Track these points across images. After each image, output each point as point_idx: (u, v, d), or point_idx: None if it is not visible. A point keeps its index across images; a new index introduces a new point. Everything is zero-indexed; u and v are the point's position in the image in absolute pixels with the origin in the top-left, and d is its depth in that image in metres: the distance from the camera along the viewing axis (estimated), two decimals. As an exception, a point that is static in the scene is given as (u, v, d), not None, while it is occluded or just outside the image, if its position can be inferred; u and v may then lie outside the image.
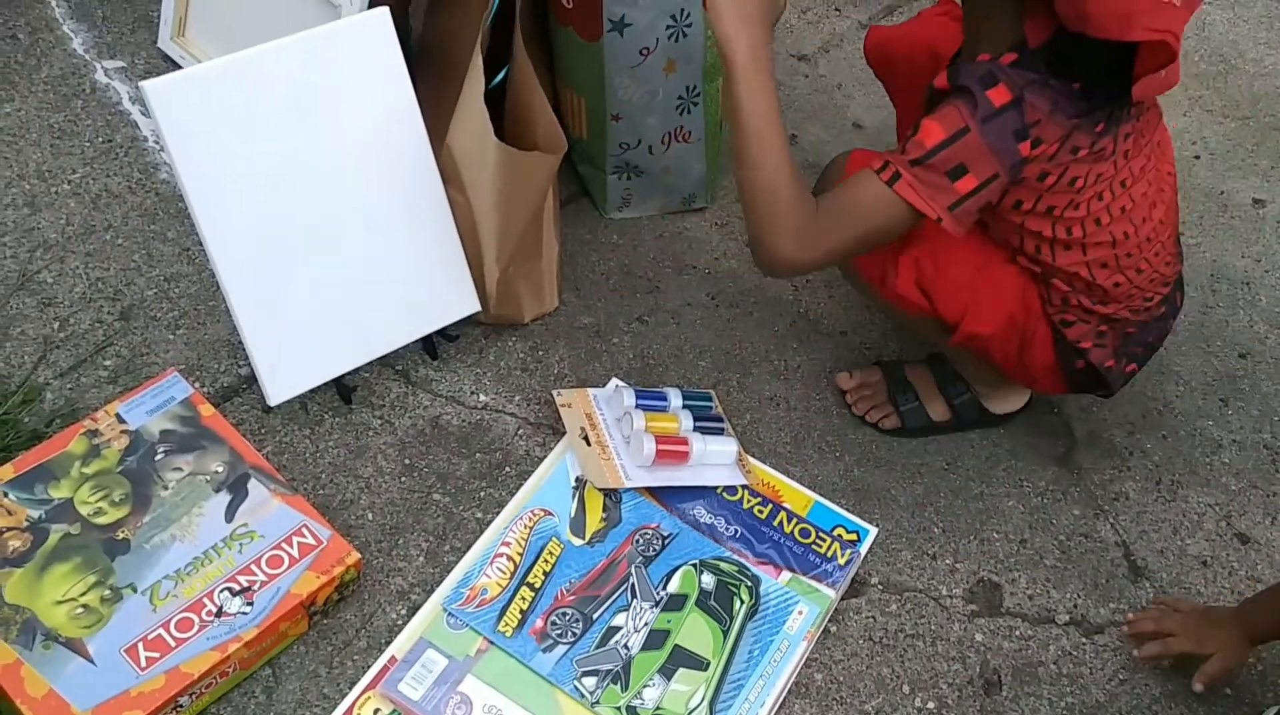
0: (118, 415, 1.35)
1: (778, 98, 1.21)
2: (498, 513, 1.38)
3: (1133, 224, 1.32)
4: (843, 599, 1.38)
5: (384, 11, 1.39)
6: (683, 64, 1.59)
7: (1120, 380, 1.43)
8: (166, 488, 1.30)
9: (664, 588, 1.33)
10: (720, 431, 1.48)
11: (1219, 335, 1.75)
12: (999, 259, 1.35)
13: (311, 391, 1.44)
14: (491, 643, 1.26)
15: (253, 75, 1.32)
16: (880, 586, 1.41)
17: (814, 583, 1.36)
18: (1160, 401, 1.65)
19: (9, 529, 1.23)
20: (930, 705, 1.31)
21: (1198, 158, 2.02)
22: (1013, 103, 1.18)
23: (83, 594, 1.20)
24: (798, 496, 1.46)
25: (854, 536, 1.43)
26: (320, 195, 1.39)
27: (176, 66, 1.76)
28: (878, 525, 1.45)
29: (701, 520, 1.40)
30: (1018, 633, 1.38)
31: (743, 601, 1.33)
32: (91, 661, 1.15)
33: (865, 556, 1.42)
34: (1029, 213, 1.27)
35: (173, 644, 1.18)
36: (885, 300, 1.41)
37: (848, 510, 1.46)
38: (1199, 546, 1.49)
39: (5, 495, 1.26)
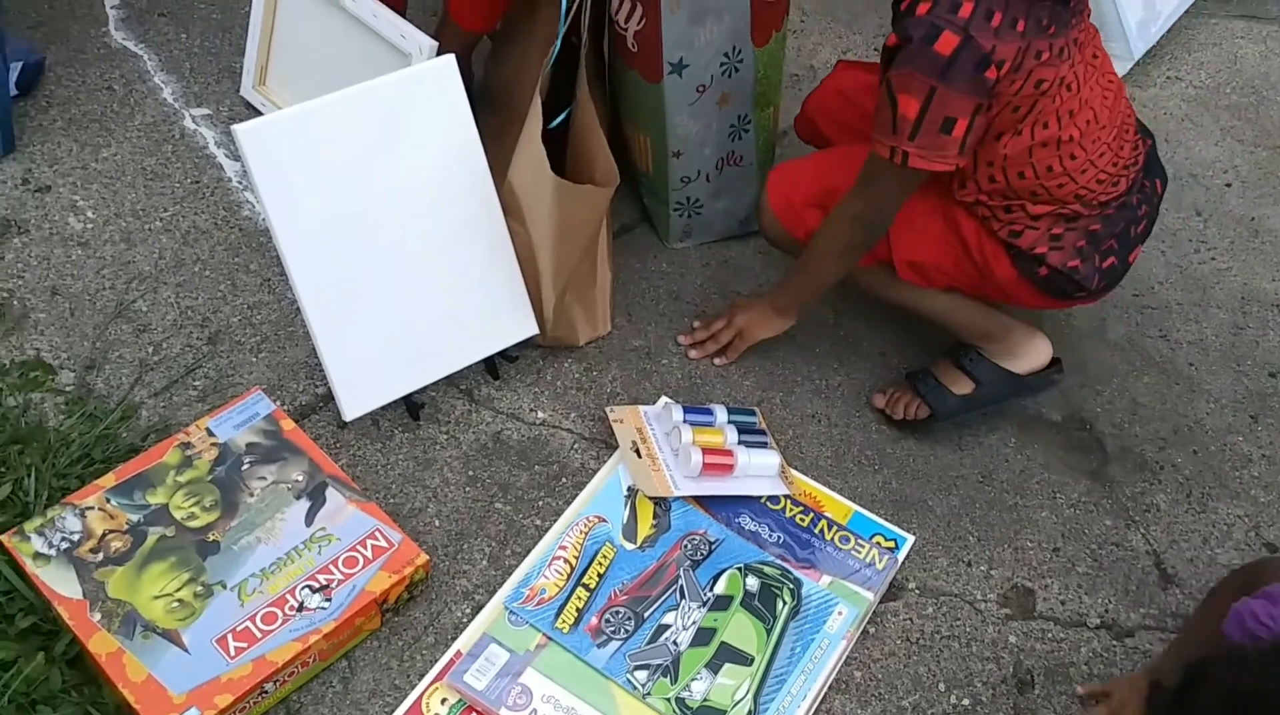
0: (208, 429, 1.47)
1: (787, 282, 1.62)
2: (555, 520, 1.48)
3: (1077, 127, 1.39)
4: (881, 602, 1.46)
5: (450, 59, 1.52)
6: (736, 96, 1.70)
7: (1096, 277, 1.47)
8: (252, 495, 1.41)
9: (711, 589, 1.42)
10: (764, 445, 1.57)
11: (1249, 355, 1.81)
12: (919, 194, 1.44)
13: (383, 408, 1.55)
14: (550, 638, 1.35)
15: (332, 119, 1.45)
16: (918, 591, 1.48)
17: (853, 586, 1.44)
18: (1191, 418, 1.71)
19: (111, 531, 1.35)
20: (965, 702, 1.38)
21: (1229, 185, 2.08)
22: (962, 44, 1.25)
23: (178, 590, 1.31)
24: (838, 506, 1.54)
25: (892, 544, 1.50)
26: (392, 227, 1.51)
27: (258, 113, 1.90)
28: (915, 534, 1.53)
29: (746, 527, 1.49)
30: (1050, 635, 1.45)
31: (785, 603, 1.41)
32: (186, 650, 1.26)
33: (903, 563, 1.50)
34: (994, 115, 1.33)
35: (259, 635, 1.28)
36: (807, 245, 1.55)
37: (886, 520, 1.54)
38: (1228, 555, 1.55)
39: (108, 501, 1.38)
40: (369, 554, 1.37)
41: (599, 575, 1.41)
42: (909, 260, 1.50)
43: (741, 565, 1.44)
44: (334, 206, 1.46)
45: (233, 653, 1.27)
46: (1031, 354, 1.61)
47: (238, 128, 1.39)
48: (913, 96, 1.28)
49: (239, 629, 1.29)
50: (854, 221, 1.47)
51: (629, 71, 1.67)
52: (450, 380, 1.61)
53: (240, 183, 1.83)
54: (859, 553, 1.48)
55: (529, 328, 1.62)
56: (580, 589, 1.40)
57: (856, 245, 1.50)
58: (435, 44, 1.67)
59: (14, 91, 1.82)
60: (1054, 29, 1.30)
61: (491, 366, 1.63)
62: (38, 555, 1.31)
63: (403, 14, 1.76)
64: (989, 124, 1.35)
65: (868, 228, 1.47)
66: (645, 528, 1.47)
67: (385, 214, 1.50)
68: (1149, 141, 1.52)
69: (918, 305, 1.58)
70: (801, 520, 1.51)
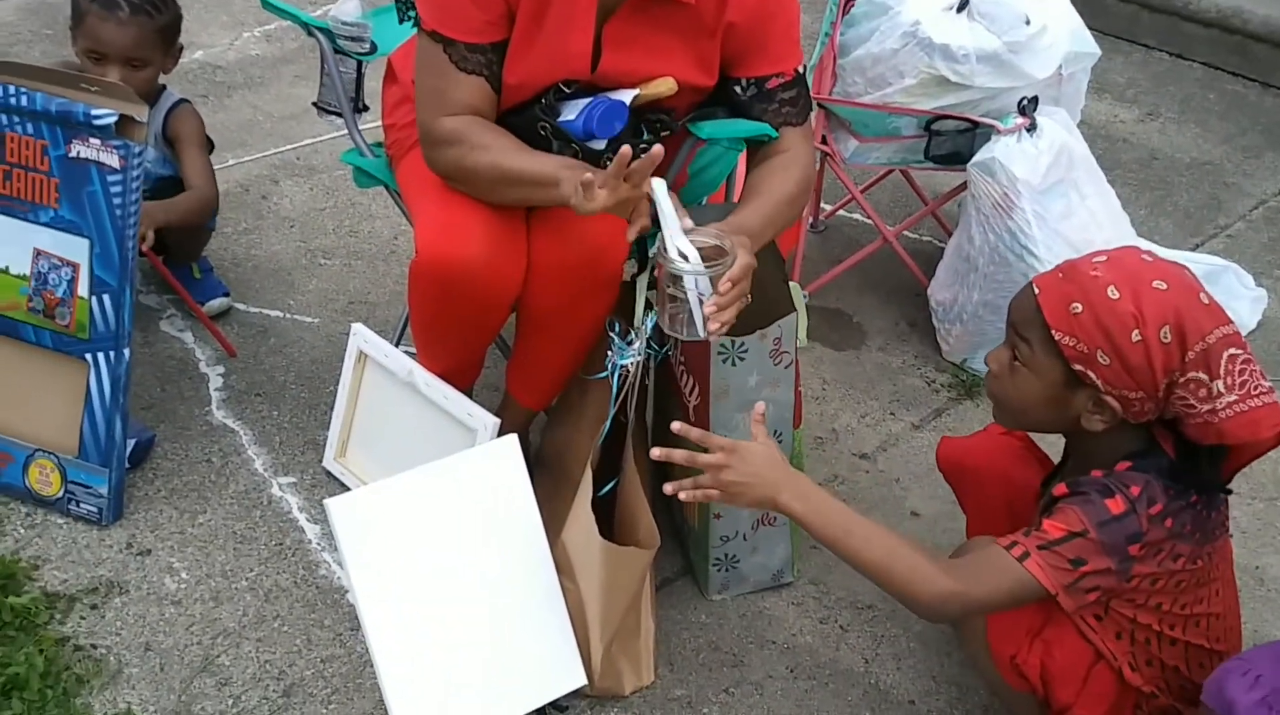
0: (281, 780, 1.58)
1: (832, 502, 1.46)
2: None
3: (1223, 631, 1.53)
4: None
5: (513, 439, 1.75)
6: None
7: None
8: None
9: None
10: (801, 794, 1.64)
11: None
12: (1107, 660, 1.52)
13: (442, 758, 1.65)
14: None
15: (410, 492, 1.67)
16: None
17: None
18: None
19: None
20: None
21: (1230, 536, 2.22)
22: (1127, 512, 1.40)
23: None
24: None
25: None
26: (458, 587, 1.68)
27: (338, 481, 2.13)
28: None
29: None
30: None
31: None
32: None
33: None
34: (1140, 606, 1.46)
35: None
36: (999, 672, 1.56)
37: None
38: None
39: None
40: None
41: None
42: (1063, 706, 1.52)
43: None
44: (408, 570, 1.64)
45: None
46: None
47: (329, 501, 1.60)
48: (1062, 524, 1.41)
49: None
50: (929, 578, 1.41)
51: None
52: (505, 730, 1.72)
53: (319, 544, 2.03)
54: None
55: (579, 678, 1.75)
56: None
57: (901, 585, 1.42)
58: (498, 421, 1.92)
59: (126, 466, 2.07)
60: (1198, 535, 1.45)
61: (543, 716, 1.75)
62: None
63: (469, 395, 2.02)
64: (1134, 622, 1.47)
65: (932, 587, 1.41)
66: None
67: (453, 575, 1.68)
68: None
69: (1005, 698, 1.66)
70: None
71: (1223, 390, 1.35)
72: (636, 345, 1.74)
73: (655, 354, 1.84)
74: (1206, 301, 1.40)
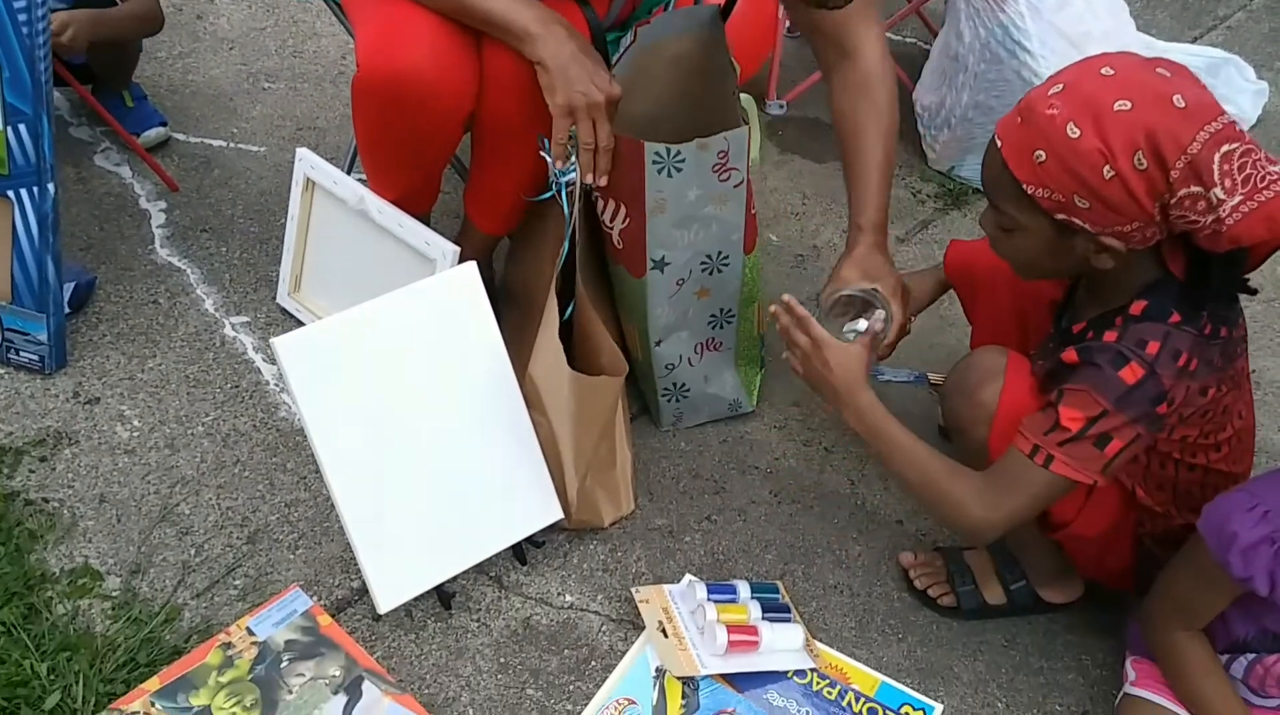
0: (248, 628, 1.52)
1: (885, 424, 1.45)
2: (586, 704, 1.51)
3: (1242, 453, 1.45)
4: (913, 775, 1.47)
5: (472, 266, 1.63)
6: (716, 291, 1.79)
7: None
8: (291, 692, 1.45)
9: (742, 769, 1.43)
10: (787, 619, 1.60)
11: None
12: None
13: (415, 599, 1.60)
14: (584, 826, 1.36)
15: (363, 326, 1.55)
16: (949, 761, 1.49)
17: (884, 759, 1.45)
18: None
19: (156, 735, 1.39)
20: None
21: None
22: (1146, 377, 1.28)
23: (220, 791, 1.35)
24: (865, 677, 1.56)
25: (920, 713, 1.52)
26: (421, 424, 1.59)
27: (293, 318, 2.02)
28: (943, 702, 1.54)
29: (774, 703, 1.51)
30: (1085, 802, 1.45)
31: (817, 779, 1.42)
32: None
33: (932, 733, 1.51)
34: (1164, 437, 1.37)
35: (299, 835, 1.31)
36: None
37: (913, 689, 1.55)
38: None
39: (153, 705, 1.42)
40: (405, 747, 1.40)
41: (631, 759, 1.43)
42: (1076, 533, 1.47)
43: (771, 742, 1.46)
44: (367, 408, 1.55)
45: None
46: (1069, 590, 1.66)
47: (275, 340, 1.49)
48: (1080, 412, 1.30)
49: (279, 829, 1.31)
50: (959, 505, 1.39)
51: (617, 267, 1.78)
52: (480, 568, 1.67)
53: (277, 385, 1.93)
54: (888, 724, 1.50)
55: (554, 513, 1.68)
56: (613, 774, 1.41)
57: (937, 513, 1.48)
58: (458, 249, 1.79)
59: (66, 310, 1.94)
60: (1221, 363, 1.34)
61: (520, 552, 1.69)
62: (85, 762, 1.35)
63: (426, 222, 1.89)
64: (1153, 449, 1.39)
65: (964, 517, 1.40)
66: (675, 708, 1.49)
67: (415, 412, 1.59)
68: None
69: (1020, 536, 1.59)
70: (829, 693, 1.53)
71: (1223, 195, 1.20)
72: (572, 159, 1.61)
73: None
74: (1183, 103, 1.21)
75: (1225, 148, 1.21)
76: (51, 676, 1.46)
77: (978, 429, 1.45)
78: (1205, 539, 1.29)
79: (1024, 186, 1.28)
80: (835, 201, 2.44)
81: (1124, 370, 1.29)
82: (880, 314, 1.58)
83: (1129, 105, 1.21)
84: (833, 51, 1.74)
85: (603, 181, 1.62)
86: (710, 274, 1.77)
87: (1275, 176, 1.22)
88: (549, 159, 1.63)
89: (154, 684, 1.44)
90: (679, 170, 1.62)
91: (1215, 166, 1.20)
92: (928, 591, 1.67)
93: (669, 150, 1.59)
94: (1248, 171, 1.21)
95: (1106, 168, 1.22)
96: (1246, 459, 1.49)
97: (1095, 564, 1.54)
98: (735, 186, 1.68)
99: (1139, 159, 1.21)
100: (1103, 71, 1.26)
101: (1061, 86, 1.27)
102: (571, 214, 1.66)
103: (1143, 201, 1.23)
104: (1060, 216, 1.28)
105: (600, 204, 1.72)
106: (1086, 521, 1.44)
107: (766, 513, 1.81)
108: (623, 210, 1.68)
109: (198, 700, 1.43)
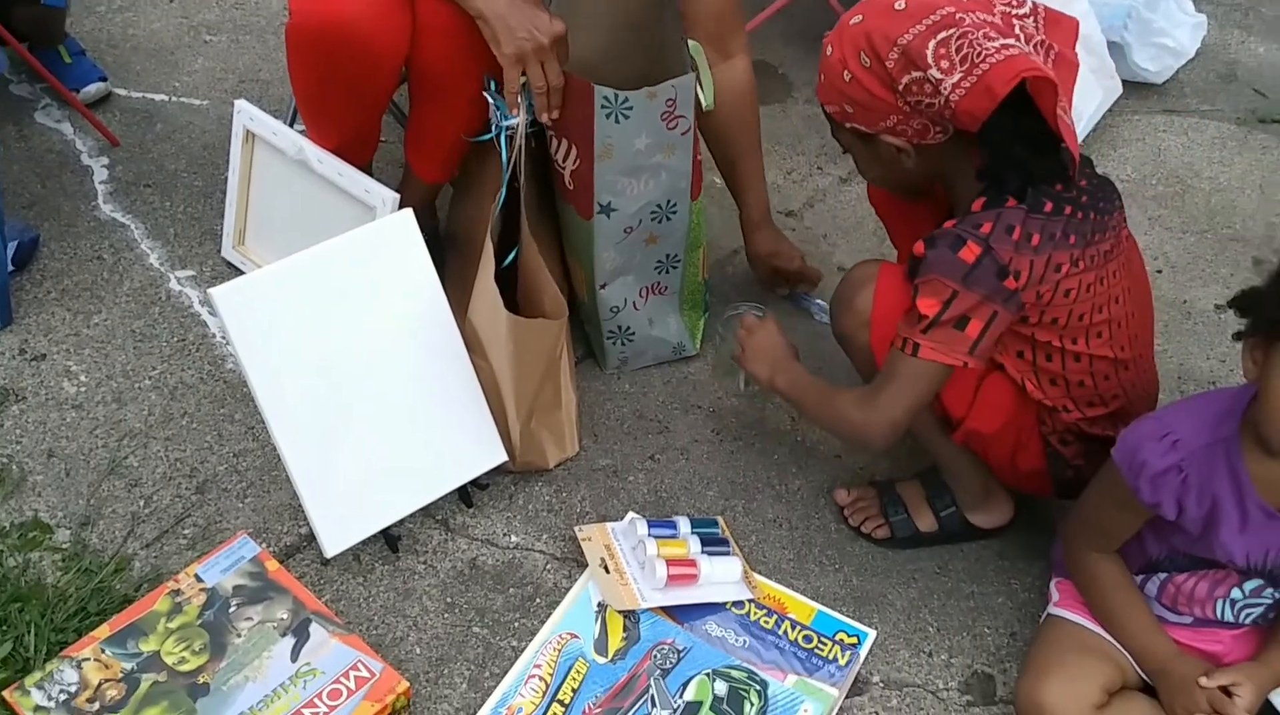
0: (196, 575, 1.55)
1: (802, 375, 1.61)
2: (530, 640, 1.55)
3: (1127, 340, 1.49)
4: (846, 698, 1.52)
5: (408, 213, 1.64)
6: (664, 238, 1.81)
7: None
8: (239, 635, 1.49)
9: (681, 696, 1.48)
10: (726, 552, 1.64)
11: (1190, 432, 1.89)
12: (1000, 371, 1.50)
13: (363, 543, 1.63)
14: (528, 755, 1.41)
15: (301, 275, 1.57)
16: (881, 684, 1.54)
17: (818, 683, 1.51)
18: (1137, 497, 1.79)
19: (106, 680, 1.42)
20: (932, 789, 1.43)
21: (1160, 271, 2.19)
22: (983, 253, 1.36)
23: (171, 732, 1.38)
24: (801, 607, 1.61)
25: (854, 640, 1.57)
26: (363, 371, 1.61)
27: (238, 271, 2.03)
28: (877, 628, 1.60)
29: (713, 633, 1.56)
30: (1012, 718, 1.51)
31: (752, 704, 1.48)
32: (180, 790, 1.33)
33: (866, 657, 1.56)
34: (1036, 325, 1.43)
35: (249, 771, 1.35)
36: None
37: (849, 616, 1.60)
38: (1180, 627, 1.61)
39: (102, 651, 1.45)
40: (352, 685, 1.44)
41: (573, 690, 1.48)
42: (973, 428, 1.53)
43: (709, 670, 1.51)
44: (307, 357, 1.57)
45: (224, 789, 1.33)
46: (997, 514, 1.71)
47: (213, 291, 1.51)
48: (934, 298, 1.38)
49: (230, 766, 1.35)
50: (844, 416, 1.51)
51: (567, 206, 1.79)
52: (426, 511, 1.70)
53: (223, 338, 1.94)
54: (822, 650, 1.55)
55: (498, 456, 1.71)
56: (555, 705, 1.46)
57: (838, 432, 1.63)
58: (397, 196, 1.81)
59: (10, 268, 1.95)
60: (1074, 239, 1.39)
61: (465, 495, 1.72)
62: (38, 708, 1.38)
63: (368, 171, 1.90)
64: (1032, 339, 1.44)
65: (851, 424, 1.50)
66: (616, 641, 1.54)
67: (356, 359, 1.61)
68: None
69: (934, 447, 1.64)
70: (766, 622, 1.58)
71: (940, 75, 1.31)
72: (516, 109, 1.62)
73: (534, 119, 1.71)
74: (902, 6, 1.36)
75: (941, 35, 1.33)
76: (3, 627, 1.49)
77: (860, 334, 1.54)
78: (1118, 465, 1.33)
79: (825, 107, 1.48)
80: (780, 143, 2.46)
81: (962, 251, 1.37)
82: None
83: (860, 18, 1.39)
84: (712, 52, 1.84)
85: (555, 115, 1.64)
86: (659, 222, 1.79)
87: (990, 52, 1.31)
88: (493, 101, 1.64)
89: (104, 631, 1.47)
90: (626, 117, 1.63)
91: (929, 52, 1.32)
92: (860, 528, 1.72)
93: (617, 96, 1.61)
94: (965, 52, 1.32)
95: (845, 72, 1.39)
96: (1139, 347, 1.53)
97: (1009, 468, 1.58)
98: (683, 134, 1.70)
99: (863, 58, 1.37)
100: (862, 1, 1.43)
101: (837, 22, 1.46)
102: (510, 161, 1.67)
103: (879, 94, 1.37)
104: (848, 125, 1.45)
105: (554, 143, 1.73)
106: (981, 416, 1.50)
107: (709, 451, 1.84)
108: (574, 150, 1.70)
109: (147, 646, 1.46)
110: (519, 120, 1.63)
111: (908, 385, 1.44)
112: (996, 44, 1.31)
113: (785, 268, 2.04)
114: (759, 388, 1.72)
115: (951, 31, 1.32)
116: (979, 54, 1.31)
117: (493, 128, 1.65)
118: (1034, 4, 1.38)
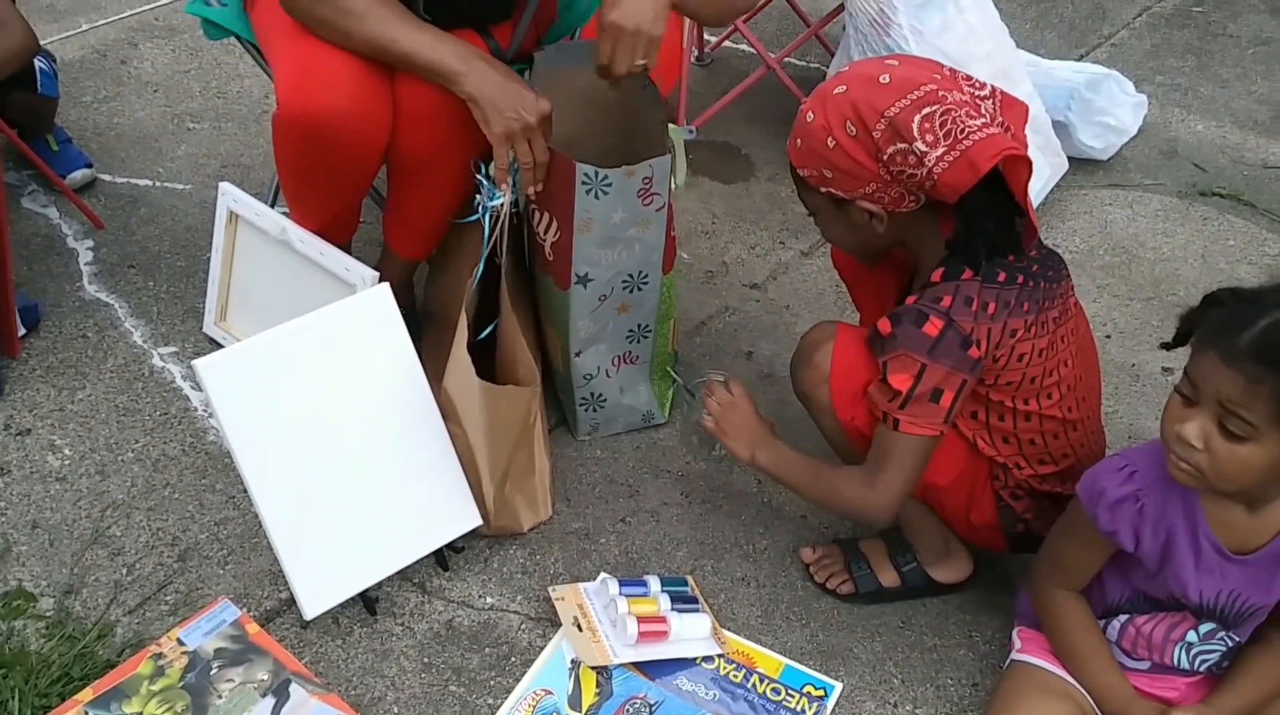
0: (178, 639, 1.58)
1: (785, 452, 1.65)
2: (506, 697, 1.59)
3: (1075, 401, 1.57)
4: (814, 748, 1.56)
5: (385, 287, 1.72)
6: (635, 308, 1.89)
7: None
8: (220, 697, 1.52)
9: (653, 749, 1.52)
10: (695, 609, 1.69)
11: (1141, 488, 1.96)
12: (953, 428, 1.56)
13: (341, 606, 1.67)
14: (504, 808, 1.44)
15: (282, 347, 1.63)
16: (848, 734, 1.59)
17: (786, 734, 1.55)
18: (1092, 550, 1.85)
19: (90, 743, 1.45)
20: (898, 835, 1.47)
21: (1109, 337, 2.29)
22: (946, 326, 1.44)
23: (153, 792, 1.41)
24: (769, 661, 1.66)
25: (821, 692, 1.62)
26: (342, 439, 1.67)
27: (220, 346, 2.09)
28: (843, 680, 1.64)
29: (684, 687, 1.60)
30: (974, 765, 1.55)
31: (723, 755, 1.52)
32: None
33: (833, 709, 1.61)
34: (991, 386, 1.51)
35: (230, 828, 1.37)
36: (852, 442, 1.61)
37: (815, 670, 1.65)
38: (1135, 675, 1.66)
39: (86, 714, 1.48)
40: (331, 743, 1.47)
41: (548, 744, 1.52)
42: (928, 481, 1.59)
43: (680, 723, 1.55)
44: (289, 426, 1.63)
45: None
46: (959, 568, 1.77)
47: (197, 362, 1.57)
48: (904, 373, 1.46)
49: (211, 824, 1.38)
50: (845, 495, 1.56)
51: (545, 277, 1.87)
52: (404, 575, 1.74)
53: (205, 411, 2.00)
54: (790, 703, 1.59)
55: (473, 520, 1.76)
56: (531, 759, 1.50)
57: (840, 511, 1.72)
58: (376, 274, 1.88)
59: (22, 331, 1.99)
60: (1027, 306, 1.47)
61: (441, 558, 1.77)
62: (21, 771, 1.41)
63: (348, 250, 1.98)
64: (987, 400, 1.52)
65: (854, 502, 1.56)
66: (589, 696, 1.58)
67: (336, 428, 1.67)
68: None
69: (905, 513, 1.72)
70: (735, 676, 1.62)
71: (925, 148, 1.39)
72: (505, 186, 1.71)
73: (520, 197, 1.80)
74: (888, 79, 1.42)
75: (925, 110, 1.40)
76: (-13, 693, 1.52)
77: (819, 390, 1.60)
78: (1079, 495, 1.41)
79: (798, 170, 1.52)
80: (743, 219, 2.56)
81: (926, 326, 1.45)
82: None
83: (844, 88, 1.45)
84: None
85: (539, 188, 1.73)
86: (630, 292, 1.86)
87: (973, 129, 1.41)
88: (483, 182, 1.73)
89: (87, 694, 1.50)
90: (605, 194, 1.72)
91: (915, 125, 1.39)
92: (826, 584, 1.77)
93: (597, 173, 1.69)
94: (949, 127, 1.41)
95: (829, 139, 1.45)
96: (1087, 408, 1.61)
97: (964, 522, 1.65)
98: (657, 210, 1.78)
99: (849, 127, 1.43)
100: (843, 70, 1.50)
101: (815, 90, 1.52)
102: (491, 236, 1.75)
103: (863, 161, 1.43)
104: (824, 190, 1.50)
105: (536, 216, 1.81)
106: (935, 469, 1.56)
107: (678, 513, 1.90)
108: (555, 223, 1.78)
109: (130, 708, 1.50)
110: (504, 199, 1.71)
111: (903, 460, 1.50)
112: (978, 123, 1.40)
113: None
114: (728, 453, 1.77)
115: (936, 108, 1.40)
116: (962, 131, 1.39)
117: (477, 207, 1.73)
118: (992, 88, 1.48)
